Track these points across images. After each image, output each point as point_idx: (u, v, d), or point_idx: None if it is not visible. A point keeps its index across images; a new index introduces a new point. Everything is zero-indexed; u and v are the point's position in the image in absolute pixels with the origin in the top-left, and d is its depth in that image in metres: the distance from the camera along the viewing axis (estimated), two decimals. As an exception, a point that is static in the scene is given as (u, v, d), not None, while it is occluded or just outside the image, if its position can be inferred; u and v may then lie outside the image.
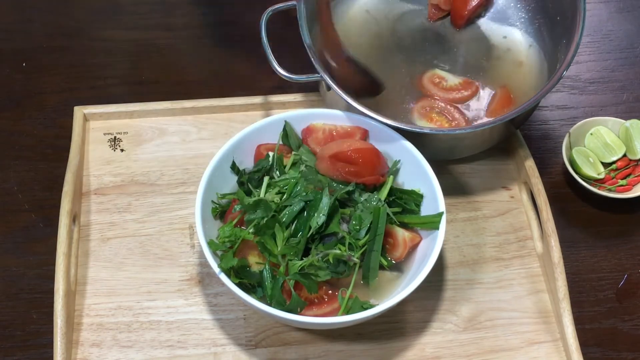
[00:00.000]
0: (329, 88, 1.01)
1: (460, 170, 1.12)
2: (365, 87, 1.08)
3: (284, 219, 0.91)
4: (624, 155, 1.13)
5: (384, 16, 1.17)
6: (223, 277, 0.88)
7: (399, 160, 1.00)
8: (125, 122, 1.13)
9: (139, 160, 1.10)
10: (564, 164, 1.10)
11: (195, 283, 1.00)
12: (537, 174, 1.07)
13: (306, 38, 1.02)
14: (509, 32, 1.16)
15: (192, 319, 0.98)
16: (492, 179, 1.12)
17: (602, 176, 1.10)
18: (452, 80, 1.10)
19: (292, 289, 0.89)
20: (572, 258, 1.05)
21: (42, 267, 1.01)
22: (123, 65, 1.22)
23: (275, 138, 1.01)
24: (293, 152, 1.00)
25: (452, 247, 1.05)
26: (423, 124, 1.06)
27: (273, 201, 0.92)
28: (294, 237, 0.91)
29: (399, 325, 0.99)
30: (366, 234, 0.92)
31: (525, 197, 1.10)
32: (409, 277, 0.94)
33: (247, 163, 1.01)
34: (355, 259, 0.91)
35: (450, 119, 1.06)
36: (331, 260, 0.90)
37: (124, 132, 1.12)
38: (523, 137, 1.12)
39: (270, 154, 0.99)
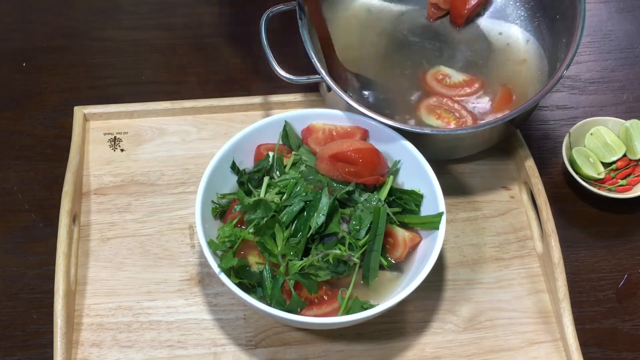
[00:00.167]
0: (329, 89, 1.01)
1: (460, 170, 1.12)
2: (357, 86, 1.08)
3: (283, 219, 0.91)
4: (624, 155, 1.13)
5: (383, 15, 1.17)
6: (223, 277, 0.88)
7: (399, 160, 1.00)
8: (125, 122, 1.13)
9: (139, 160, 1.10)
10: (564, 164, 1.10)
11: (195, 283, 1.00)
12: (537, 174, 1.07)
13: (306, 39, 1.02)
14: (509, 31, 1.16)
15: (192, 319, 0.98)
16: (492, 179, 1.12)
17: (602, 176, 1.10)
18: (457, 77, 1.10)
19: (292, 289, 0.89)
20: (572, 258, 1.05)
21: (42, 267, 1.01)
22: (123, 65, 1.22)
23: (275, 138, 1.01)
24: (293, 152, 1.00)
25: (452, 247, 1.05)
26: (431, 121, 1.06)
27: (273, 201, 0.92)
28: (294, 237, 0.91)
29: (399, 325, 0.99)
30: (366, 234, 0.92)
31: (525, 197, 1.10)
32: (409, 277, 0.94)
33: (247, 163, 1.01)
34: (355, 259, 0.91)
35: (458, 116, 1.06)
36: (331, 260, 0.90)
37: (124, 132, 1.13)
38: (523, 137, 1.12)
39: (270, 154, 0.99)
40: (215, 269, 0.89)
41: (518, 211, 1.09)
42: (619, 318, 1.02)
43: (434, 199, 0.96)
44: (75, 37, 1.25)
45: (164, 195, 1.07)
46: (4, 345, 0.96)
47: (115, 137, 1.12)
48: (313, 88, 1.14)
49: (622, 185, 1.10)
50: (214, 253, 0.91)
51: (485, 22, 1.17)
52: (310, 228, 0.91)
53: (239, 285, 0.89)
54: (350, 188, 0.94)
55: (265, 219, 0.91)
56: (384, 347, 0.97)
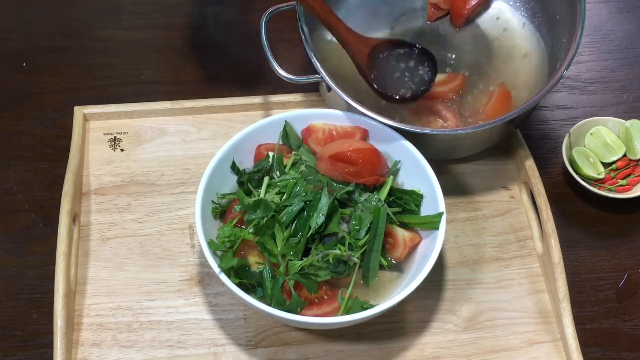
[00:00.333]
0: (329, 89, 1.01)
1: (460, 170, 1.12)
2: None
3: (283, 219, 0.91)
4: (624, 155, 1.13)
5: (383, 16, 1.17)
6: (223, 277, 0.88)
7: (399, 161, 1.00)
8: (125, 122, 1.13)
9: (139, 160, 1.10)
10: (564, 164, 1.10)
11: (195, 283, 1.00)
12: (537, 174, 1.07)
13: (306, 39, 1.02)
14: (508, 32, 1.16)
15: (192, 319, 0.98)
16: (492, 179, 1.12)
17: (602, 176, 1.10)
18: (437, 77, 1.10)
19: (292, 289, 0.89)
20: (572, 258, 1.05)
21: (42, 267, 1.01)
22: (123, 65, 1.22)
23: (275, 138, 1.01)
24: (293, 152, 1.00)
25: (452, 247, 1.05)
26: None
27: (273, 201, 0.92)
28: (294, 237, 0.91)
29: (399, 325, 0.99)
30: (366, 234, 0.92)
31: (525, 197, 1.10)
32: (409, 277, 0.94)
33: (247, 163, 1.01)
34: (355, 259, 0.91)
35: (442, 120, 1.06)
36: (331, 260, 0.90)
37: (124, 132, 1.13)
38: (523, 137, 1.12)
39: (270, 154, 0.99)
40: (215, 269, 0.89)
41: (518, 211, 1.09)
42: (619, 318, 1.02)
43: (434, 199, 0.96)
44: (75, 37, 1.25)
45: (164, 195, 1.07)
46: (4, 345, 0.96)
47: (115, 137, 1.12)
48: (313, 88, 1.14)
49: (622, 185, 1.10)
50: (214, 253, 0.91)
51: (485, 23, 1.17)
52: (310, 228, 0.91)
53: (239, 285, 0.89)
54: (350, 188, 0.94)
55: (265, 219, 0.91)
56: (384, 347, 0.97)
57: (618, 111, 1.20)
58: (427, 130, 1.01)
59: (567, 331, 0.96)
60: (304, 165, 0.99)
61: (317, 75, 1.01)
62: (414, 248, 0.96)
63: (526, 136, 1.14)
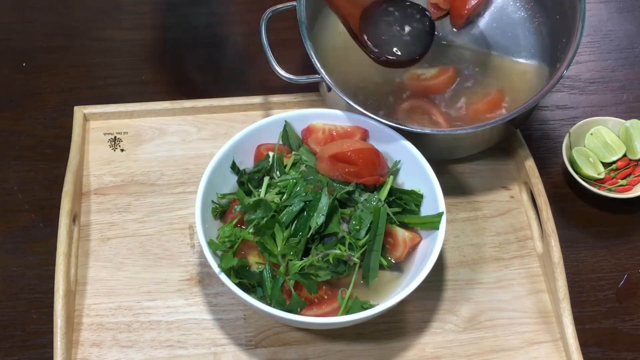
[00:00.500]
0: (329, 89, 1.01)
1: (460, 170, 1.12)
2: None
3: (283, 219, 0.91)
4: (624, 155, 1.13)
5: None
6: (223, 277, 0.88)
7: (399, 161, 1.00)
8: (125, 122, 1.14)
9: (139, 160, 1.10)
10: (564, 164, 1.10)
11: (195, 283, 1.00)
12: (537, 174, 1.07)
13: (306, 39, 1.02)
14: (508, 32, 1.16)
15: (192, 319, 0.98)
16: (492, 179, 1.12)
17: (602, 176, 1.10)
18: (429, 72, 1.10)
19: (292, 289, 0.89)
20: (572, 258, 1.06)
21: (42, 267, 1.01)
22: (123, 65, 1.22)
23: (275, 138, 1.01)
24: (293, 152, 1.00)
25: (452, 247, 1.05)
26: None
27: (273, 201, 0.92)
28: (294, 237, 0.91)
29: (399, 325, 0.99)
30: (366, 234, 0.92)
31: (525, 197, 1.10)
32: (409, 277, 0.94)
33: (247, 163, 1.01)
34: (355, 259, 0.91)
35: (434, 120, 1.06)
36: (331, 260, 0.90)
37: (124, 132, 1.13)
38: (523, 137, 1.12)
39: (270, 154, 0.99)
40: (215, 269, 0.89)
41: (518, 211, 1.09)
42: (619, 318, 1.02)
43: (434, 199, 0.96)
44: (75, 37, 1.25)
45: (164, 195, 1.07)
46: (4, 345, 0.96)
47: (115, 137, 1.12)
48: (313, 88, 1.14)
49: (622, 185, 1.10)
50: (214, 253, 0.91)
51: (485, 23, 1.17)
52: (310, 228, 0.91)
53: (239, 285, 0.89)
54: (350, 188, 0.94)
55: (265, 219, 0.91)
56: (384, 347, 0.97)
57: (618, 111, 1.20)
58: (427, 130, 1.01)
59: (567, 331, 0.96)
60: (304, 165, 0.99)
61: (317, 75, 1.01)
62: (414, 248, 0.96)
63: (526, 136, 1.14)
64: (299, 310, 0.89)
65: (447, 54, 1.14)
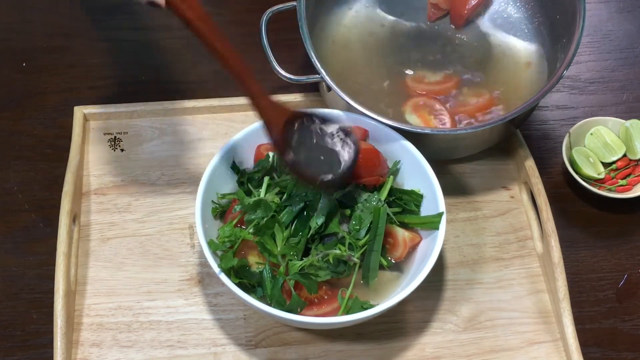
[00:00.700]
0: (329, 89, 1.01)
1: (460, 170, 1.12)
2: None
3: (283, 219, 0.91)
4: (624, 155, 1.13)
5: (383, 16, 1.17)
6: (223, 277, 0.88)
7: (399, 161, 1.00)
8: (125, 122, 1.13)
9: (139, 160, 1.10)
10: (564, 164, 1.10)
11: (195, 283, 1.00)
12: (537, 174, 1.07)
13: (306, 39, 1.02)
14: (508, 32, 1.16)
15: (192, 319, 0.98)
16: (492, 179, 1.12)
17: (602, 176, 1.10)
18: (432, 77, 1.10)
19: (292, 289, 0.89)
20: (572, 258, 1.05)
21: (42, 267, 1.01)
22: (123, 65, 1.22)
23: (275, 138, 1.01)
24: (293, 152, 1.00)
25: (452, 247, 1.05)
26: (413, 120, 1.06)
27: (273, 201, 0.92)
28: (294, 237, 0.91)
29: (399, 325, 0.99)
30: (366, 234, 0.92)
31: (525, 197, 1.10)
32: (409, 277, 0.94)
33: (247, 163, 1.01)
34: (355, 259, 0.91)
35: (438, 120, 1.06)
36: (331, 260, 0.90)
37: (124, 132, 1.12)
38: (523, 137, 1.12)
39: (270, 154, 0.99)
40: (215, 269, 0.89)
41: (518, 211, 1.09)
42: (619, 318, 1.02)
43: (434, 199, 0.96)
44: (75, 37, 1.25)
45: (164, 195, 1.07)
46: (4, 345, 0.96)
47: (115, 137, 1.12)
48: (313, 88, 1.14)
49: (622, 185, 1.10)
50: (214, 253, 0.91)
51: (485, 23, 1.17)
52: (310, 228, 0.91)
53: (239, 285, 0.89)
54: (350, 188, 0.94)
55: (265, 219, 0.91)
56: (384, 347, 0.97)
57: (618, 111, 1.20)
58: (427, 130, 1.01)
59: (567, 331, 0.96)
60: (304, 165, 0.98)
61: (317, 75, 1.01)
62: (414, 248, 0.96)
63: (526, 136, 1.14)
64: (299, 310, 0.89)
65: (447, 54, 1.14)
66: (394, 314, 0.99)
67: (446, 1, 1.16)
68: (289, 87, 1.10)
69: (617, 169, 1.12)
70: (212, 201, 0.96)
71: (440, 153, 1.06)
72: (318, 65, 1.01)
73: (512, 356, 0.97)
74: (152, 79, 1.20)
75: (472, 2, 1.15)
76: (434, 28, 1.17)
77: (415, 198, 0.98)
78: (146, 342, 0.96)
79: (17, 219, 1.05)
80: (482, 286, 1.02)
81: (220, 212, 0.97)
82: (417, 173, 0.98)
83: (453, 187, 1.10)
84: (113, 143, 1.12)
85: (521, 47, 1.14)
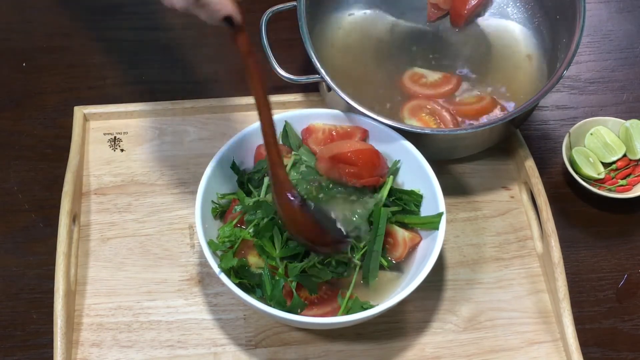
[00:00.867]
0: (329, 89, 1.01)
1: (460, 170, 1.12)
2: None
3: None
4: (624, 155, 1.13)
5: (382, 16, 1.17)
6: (223, 277, 0.88)
7: (399, 161, 1.00)
8: (125, 122, 1.13)
9: (139, 160, 1.10)
10: (564, 164, 1.10)
11: (195, 283, 1.00)
12: (537, 174, 1.07)
13: (306, 39, 1.02)
14: (508, 32, 1.16)
15: (192, 319, 0.98)
16: (492, 179, 1.12)
17: (602, 176, 1.10)
18: (432, 76, 1.10)
19: (294, 290, 0.89)
20: (572, 258, 1.05)
21: (42, 267, 1.01)
22: (123, 65, 1.22)
23: (275, 138, 1.01)
24: (293, 152, 1.00)
25: (452, 247, 1.05)
26: (412, 123, 1.06)
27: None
28: (293, 240, 0.91)
29: (399, 325, 0.99)
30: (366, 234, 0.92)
31: (525, 197, 1.10)
32: (409, 277, 0.94)
33: (247, 163, 1.01)
34: (356, 261, 0.91)
35: (439, 120, 1.06)
36: (333, 262, 0.90)
37: (124, 132, 1.12)
38: (523, 137, 1.12)
39: (270, 154, 0.99)
40: (215, 269, 0.89)
41: (518, 211, 1.09)
42: (619, 318, 1.02)
43: (434, 199, 0.96)
44: (75, 37, 1.25)
45: (164, 195, 1.07)
46: (4, 345, 0.96)
47: (115, 137, 1.12)
48: (313, 88, 1.14)
49: (622, 185, 1.10)
50: (214, 253, 0.91)
51: (485, 23, 1.17)
52: None
53: (239, 285, 0.89)
54: (350, 189, 0.94)
55: (265, 220, 0.91)
56: (384, 347, 0.97)
57: (618, 111, 1.20)
58: (427, 130, 1.01)
59: (567, 331, 0.96)
60: (304, 165, 0.99)
61: (317, 75, 1.01)
62: (414, 248, 0.96)
63: (526, 136, 1.14)
64: (299, 311, 0.89)
65: (447, 54, 1.14)
66: (394, 314, 0.99)
67: (446, 1, 1.16)
68: (289, 87, 1.10)
69: (617, 169, 1.12)
70: (212, 201, 0.96)
71: (440, 153, 1.06)
72: (318, 65, 1.01)
73: (512, 356, 0.97)
74: (152, 79, 1.20)
75: (472, 2, 1.15)
76: (434, 28, 1.17)
77: (415, 198, 0.98)
78: (146, 342, 0.96)
79: (17, 219, 1.05)
80: (482, 286, 1.02)
81: (220, 212, 0.97)
82: (417, 173, 0.98)
83: (453, 187, 1.10)
84: (113, 143, 1.12)
85: (521, 47, 1.14)
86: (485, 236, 1.06)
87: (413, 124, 1.05)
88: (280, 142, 1.01)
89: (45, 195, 1.07)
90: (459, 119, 1.06)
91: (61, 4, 1.29)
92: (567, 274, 1.00)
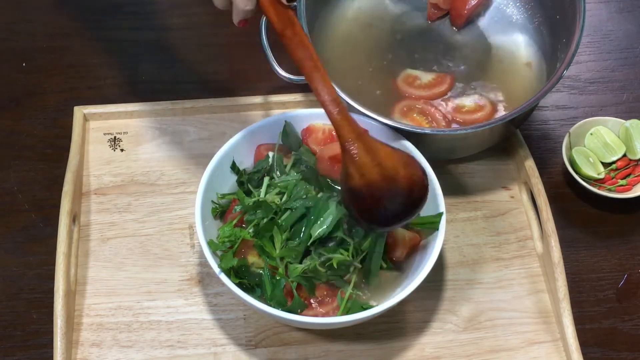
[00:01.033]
0: (329, 88, 1.01)
1: (460, 170, 1.12)
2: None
3: (283, 222, 0.91)
4: (624, 155, 1.13)
5: (382, 16, 1.17)
6: (223, 277, 0.88)
7: (399, 160, 1.00)
8: (125, 122, 1.13)
9: (139, 160, 1.10)
10: (564, 164, 1.10)
11: (195, 283, 1.00)
12: (537, 174, 1.07)
13: (306, 38, 1.02)
14: (509, 32, 1.16)
15: (192, 319, 0.98)
16: (492, 179, 1.12)
17: (602, 176, 1.10)
18: (425, 77, 1.10)
19: (295, 291, 0.89)
20: (572, 258, 1.05)
21: (42, 267, 1.01)
22: (123, 65, 1.22)
23: (275, 138, 1.01)
24: (293, 152, 1.00)
25: (452, 247, 1.05)
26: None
27: (274, 202, 0.92)
28: (293, 241, 0.91)
29: (399, 325, 0.99)
30: (368, 237, 0.92)
31: (525, 197, 1.10)
32: (409, 277, 0.93)
33: (247, 163, 1.01)
34: (357, 264, 0.91)
35: (430, 119, 1.06)
36: (335, 265, 0.90)
37: (124, 132, 1.13)
38: (523, 137, 1.12)
39: (270, 154, 0.99)
40: (215, 269, 0.89)
41: (518, 211, 1.09)
42: (619, 318, 1.02)
43: (434, 199, 0.96)
44: (75, 37, 1.25)
45: (164, 195, 1.07)
46: (4, 345, 0.96)
47: (115, 137, 1.12)
48: (313, 88, 1.14)
49: (622, 185, 1.10)
50: (214, 253, 0.90)
51: (485, 23, 1.17)
52: (311, 236, 0.90)
53: (239, 285, 0.89)
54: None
55: (265, 220, 0.91)
56: (384, 347, 0.97)
57: (618, 111, 1.20)
58: (427, 130, 1.01)
59: (567, 331, 0.96)
60: (304, 165, 0.98)
61: (317, 76, 1.01)
62: (414, 248, 0.96)
63: (526, 136, 1.14)
64: (299, 311, 0.89)
65: (446, 54, 1.14)
66: (394, 314, 0.99)
67: (446, 1, 1.16)
68: (289, 87, 1.10)
69: (617, 169, 1.12)
70: (212, 201, 0.96)
71: (440, 153, 1.06)
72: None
73: (512, 356, 0.97)
74: (152, 79, 1.20)
75: (472, 2, 1.15)
76: (434, 28, 1.17)
77: (415, 198, 0.98)
78: (146, 342, 0.96)
79: (17, 219, 1.05)
80: (482, 286, 1.02)
81: (220, 212, 0.97)
82: (417, 173, 0.98)
83: (453, 187, 1.10)
84: (113, 143, 1.12)
85: (521, 47, 1.14)
86: (485, 236, 1.06)
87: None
88: (280, 142, 1.01)
89: (45, 195, 1.07)
90: (449, 118, 1.06)
91: (61, 4, 1.29)
92: (567, 274, 1.00)
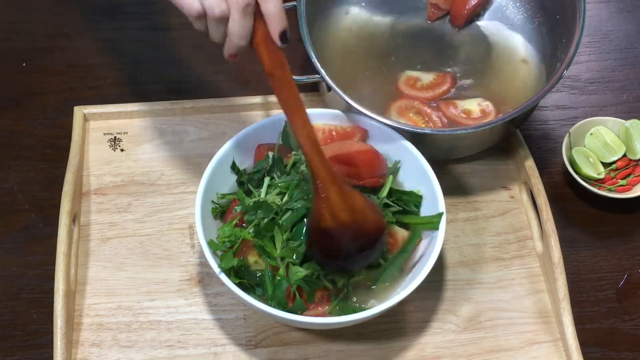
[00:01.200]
0: (329, 89, 1.01)
1: (460, 170, 1.12)
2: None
3: (283, 223, 0.91)
4: (624, 155, 1.13)
5: (382, 16, 1.17)
6: (223, 277, 0.88)
7: (399, 161, 1.00)
8: (125, 122, 1.13)
9: (139, 160, 1.10)
10: (564, 164, 1.10)
11: (195, 283, 1.00)
12: (537, 174, 1.07)
13: (306, 39, 1.02)
14: (509, 32, 1.16)
15: (192, 319, 0.98)
16: (492, 179, 1.12)
17: (602, 176, 1.10)
18: (426, 78, 1.10)
19: (297, 293, 0.89)
20: (572, 258, 1.06)
21: (42, 267, 1.01)
22: (123, 65, 1.22)
23: (275, 138, 1.01)
24: (293, 152, 1.00)
25: (452, 247, 1.05)
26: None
27: (274, 202, 0.92)
28: (294, 241, 0.91)
29: (399, 325, 0.99)
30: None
31: (525, 197, 1.10)
32: (409, 277, 0.94)
33: (247, 163, 1.01)
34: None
35: (427, 119, 1.06)
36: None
37: (124, 132, 1.13)
38: (523, 137, 1.12)
39: (270, 154, 0.99)
40: (215, 269, 0.89)
41: (518, 211, 1.09)
42: (619, 318, 1.02)
43: (434, 199, 0.96)
44: (75, 37, 1.25)
45: (164, 195, 1.07)
46: (4, 345, 0.96)
47: (115, 137, 1.12)
48: (313, 88, 1.14)
49: (622, 185, 1.10)
50: (214, 253, 0.90)
51: (485, 23, 1.17)
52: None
53: (239, 285, 0.89)
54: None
55: (265, 220, 0.91)
56: (384, 347, 0.97)
57: (618, 111, 1.20)
58: (427, 130, 1.01)
59: (567, 331, 0.96)
60: (304, 165, 0.98)
61: (317, 75, 1.01)
62: (414, 248, 0.96)
63: (526, 136, 1.14)
64: (299, 312, 0.89)
65: (446, 54, 1.14)
66: (394, 314, 0.99)
67: (446, 1, 1.16)
68: (289, 87, 1.10)
69: (617, 169, 1.12)
70: (212, 201, 0.96)
71: (440, 153, 1.06)
72: (318, 65, 1.01)
73: (512, 356, 0.97)
74: (152, 79, 1.20)
75: (472, 2, 1.15)
76: (434, 28, 1.17)
77: (415, 199, 0.98)
78: (146, 342, 0.96)
79: (17, 219, 1.05)
80: (482, 286, 1.02)
81: (220, 212, 0.97)
82: (417, 173, 0.98)
83: (453, 187, 1.10)
84: (113, 143, 1.12)
85: (521, 47, 1.14)
86: (485, 236, 1.06)
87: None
88: (280, 142, 1.01)
89: (45, 195, 1.07)
90: (449, 118, 1.06)
91: (61, 4, 1.29)
92: (567, 274, 1.00)
